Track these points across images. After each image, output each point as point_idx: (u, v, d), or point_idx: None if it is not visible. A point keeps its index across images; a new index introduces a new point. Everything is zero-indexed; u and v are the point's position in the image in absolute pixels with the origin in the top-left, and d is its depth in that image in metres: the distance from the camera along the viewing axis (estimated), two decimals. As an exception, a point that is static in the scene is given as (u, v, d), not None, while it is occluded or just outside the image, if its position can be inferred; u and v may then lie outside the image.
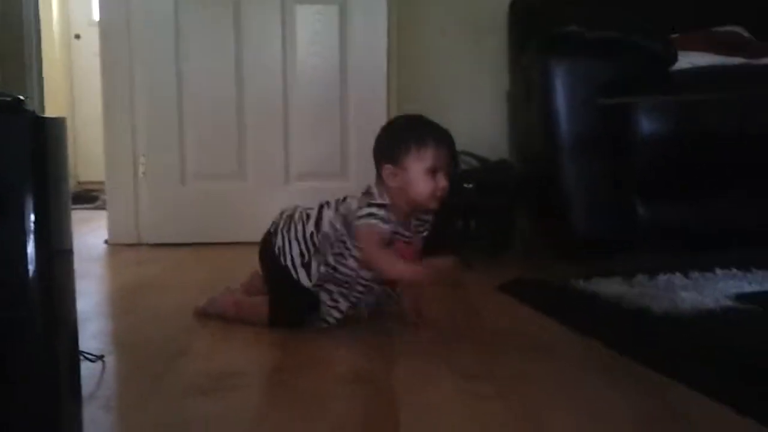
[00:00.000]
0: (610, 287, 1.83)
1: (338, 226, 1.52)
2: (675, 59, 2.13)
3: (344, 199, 1.55)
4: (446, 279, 1.66)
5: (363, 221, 1.47)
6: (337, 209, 1.54)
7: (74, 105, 5.08)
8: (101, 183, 2.94)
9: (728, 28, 2.66)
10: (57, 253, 0.91)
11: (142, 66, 2.75)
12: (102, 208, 3.09)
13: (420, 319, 1.59)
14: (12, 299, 0.86)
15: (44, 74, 3.91)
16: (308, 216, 1.57)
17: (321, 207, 1.57)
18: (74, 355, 0.98)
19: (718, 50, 2.45)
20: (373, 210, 1.47)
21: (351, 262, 1.53)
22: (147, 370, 1.34)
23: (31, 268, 0.86)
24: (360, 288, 1.56)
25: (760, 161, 2.04)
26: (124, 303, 1.94)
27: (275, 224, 1.62)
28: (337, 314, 1.56)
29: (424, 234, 1.59)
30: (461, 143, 1.74)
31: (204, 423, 1.11)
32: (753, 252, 2.06)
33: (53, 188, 0.90)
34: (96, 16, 3.50)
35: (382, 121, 2.84)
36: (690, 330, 1.49)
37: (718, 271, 1.95)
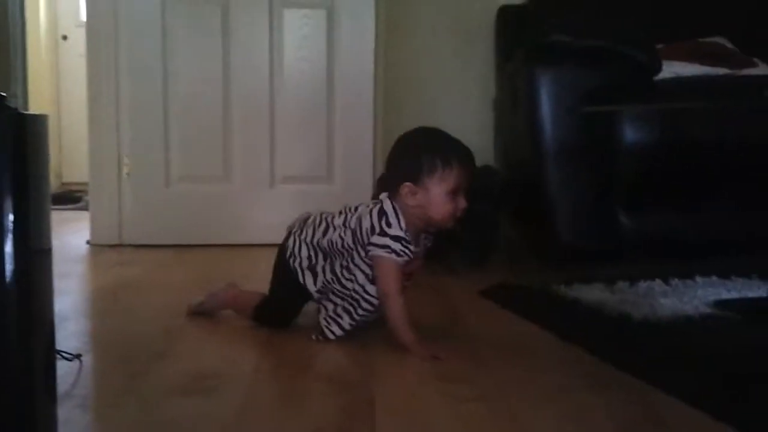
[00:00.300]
0: (592, 293, 1.84)
1: (347, 238, 1.47)
2: (659, 69, 2.15)
3: (356, 209, 1.50)
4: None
5: (380, 252, 1.43)
6: (346, 222, 1.48)
7: (60, 105, 5.05)
8: (85, 184, 2.93)
9: (712, 39, 2.69)
10: (36, 252, 0.90)
11: (128, 67, 2.74)
12: (85, 209, 3.07)
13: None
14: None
15: (31, 75, 3.89)
16: (322, 221, 1.53)
17: (337, 213, 1.53)
18: (50, 354, 0.97)
19: (702, 61, 2.48)
20: (389, 242, 1.42)
21: (359, 277, 1.49)
22: (125, 370, 1.33)
23: (8, 267, 0.86)
24: (366, 306, 1.50)
25: (740, 171, 2.05)
26: (104, 303, 1.92)
27: (290, 228, 1.60)
28: (337, 330, 1.50)
29: (428, 245, 1.55)
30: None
31: (181, 423, 1.10)
32: (733, 260, 2.08)
33: (33, 186, 0.89)
34: (83, 17, 3.49)
35: (369, 126, 2.88)
36: (669, 336, 1.50)
37: (698, 279, 1.96)
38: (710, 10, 2.84)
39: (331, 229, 1.50)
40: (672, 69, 2.32)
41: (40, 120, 0.92)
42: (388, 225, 1.43)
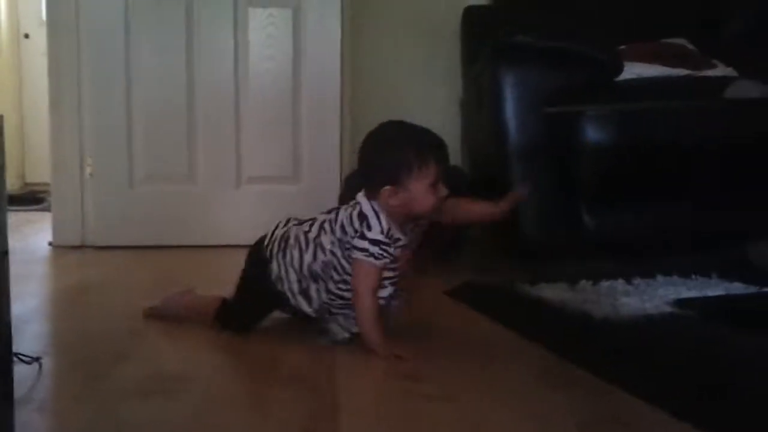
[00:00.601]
0: (555, 293, 1.85)
1: (337, 252, 1.46)
2: (621, 70, 2.18)
3: (336, 215, 1.48)
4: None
5: (359, 254, 1.42)
6: (332, 240, 1.46)
7: (23, 104, 4.98)
8: (49, 184, 2.89)
9: (674, 40, 2.73)
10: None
11: (90, 66, 2.70)
12: (48, 210, 3.02)
13: None
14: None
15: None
16: (305, 239, 1.49)
17: (319, 228, 1.49)
18: (7, 357, 0.96)
19: (663, 62, 2.51)
20: (367, 246, 1.42)
21: None
22: (85, 372, 1.31)
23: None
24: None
25: (700, 170, 2.09)
26: (65, 305, 1.90)
27: (269, 248, 1.53)
28: (347, 334, 1.50)
29: (421, 230, 1.54)
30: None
31: (141, 425, 1.09)
32: (694, 259, 2.11)
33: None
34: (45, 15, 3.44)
35: (335, 125, 2.88)
36: (629, 334, 1.52)
37: (660, 278, 1.99)
38: (672, 12, 2.89)
39: (320, 252, 1.47)
40: (634, 70, 2.35)
41: (-6, 120, 0.91)
42: (368, 228, 1.43)
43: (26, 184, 4.76)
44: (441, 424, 1.11)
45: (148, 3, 2.72)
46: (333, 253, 1.46)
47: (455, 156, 2.83)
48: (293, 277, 1.49)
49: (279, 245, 1.52)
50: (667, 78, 2.39)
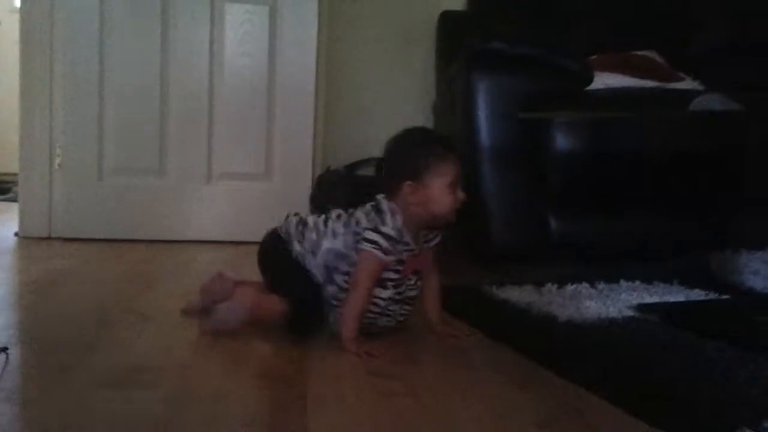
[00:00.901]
0: (521, 295, 1.89)
1: (350, 243, 1.49)
2: (591, 79, 2.22)
3: (352, 213, 1.52)
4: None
5: (368, 246, 1.46)
6: (348, 223, 1.51)
7: (-9, 93, 4.89)
8: (17, 174, 2.85)
9: (643, 52, 2.79)
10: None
11: (63, 55, 2.68)
12: (15, 200, 2.99)
13: (447, 329, 1.61)
14: None
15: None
16: (324, 225, 1.53)
17: (336, 217, 1.54)
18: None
19: (632, 73, 2.57)
20: (377, 239, 1.45)
21: None
22: (54, 363, 1.31)
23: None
24: (373, 308, 1.51)
25: (664, 179, 2.14)
26: (32, 296, 1.88)
27: (286, 231, 1.56)
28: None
29: (435, 243, 1.58)
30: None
31: (110, 416, 1.10)
32: (657, 265, 2.16)
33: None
34: (17, 2, 3.40)
35: (309, 124, 2.89)
36: (592, 337, 1.56)
37: (623, 283, 2.04)
38: (643, 25, 2.95)
39: (335, 240, 1.51)
40: (603, 80, 2.40)
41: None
42: (383, 223, 1.47)
43: (-7, 174, 4.68)
44: (405, 418, 1.13)
45: (123, -6, 2.70)
46: (346, 244, 1.49)
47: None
48: (312, 263, 1.52)
49: (296, 230, 1.56)
50: (635, 89, 2.45)
